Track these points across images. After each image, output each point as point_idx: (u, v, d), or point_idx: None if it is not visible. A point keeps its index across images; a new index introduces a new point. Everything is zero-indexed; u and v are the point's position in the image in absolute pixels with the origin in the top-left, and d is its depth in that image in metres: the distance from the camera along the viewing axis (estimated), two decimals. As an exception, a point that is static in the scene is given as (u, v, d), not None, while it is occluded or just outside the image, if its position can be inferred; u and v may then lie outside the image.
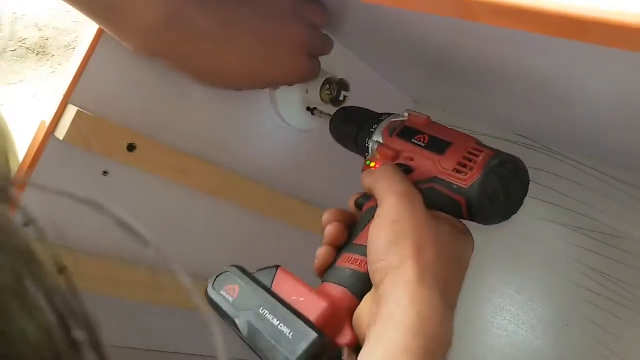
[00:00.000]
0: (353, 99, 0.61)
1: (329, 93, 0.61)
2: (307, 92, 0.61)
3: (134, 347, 0.62)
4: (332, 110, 0.59)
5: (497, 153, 0.42)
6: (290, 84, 0.58)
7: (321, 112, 0.61)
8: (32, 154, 0.49)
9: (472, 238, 0.43)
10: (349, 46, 0.64)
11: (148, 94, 0.54)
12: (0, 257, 0.15)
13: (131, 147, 0.52)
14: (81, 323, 0.16)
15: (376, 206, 0.42)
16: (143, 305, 0.60)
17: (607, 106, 0.45)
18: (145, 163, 0.54)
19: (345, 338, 0.40)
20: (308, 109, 0.62)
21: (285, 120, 0.63)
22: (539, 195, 0.66)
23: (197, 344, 0.66)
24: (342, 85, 0.61)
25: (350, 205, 0.49)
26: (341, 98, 0.61)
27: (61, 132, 0.49)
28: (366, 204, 0.46)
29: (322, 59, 0.58)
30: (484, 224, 0.43)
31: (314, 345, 0.37)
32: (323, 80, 0.60)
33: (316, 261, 0.46)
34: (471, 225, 0.44)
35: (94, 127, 0.50)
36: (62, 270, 0.16)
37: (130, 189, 0.55)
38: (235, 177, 0.62)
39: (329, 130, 0.57)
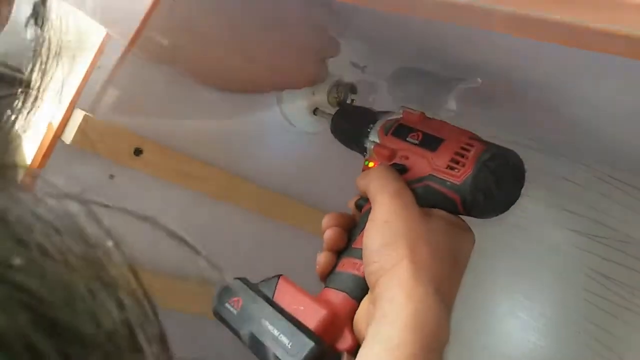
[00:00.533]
0: (360, 103, 0.61)
1: (336, 96, 0.60)
2: (314, 94, 0.60)
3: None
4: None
5: (488, 147, 0.41)
6: (297, 87, 0.57)
7: (323, 112, 0.60)
8: (40, 156, 0.50)
9: (472, 234, 0.43)
10: (357, 48, 0.64)
11: (154, 99, 0.54)
12: (80, 265, 0.15)
13: (137, 152, 0.52)
14: (153, 334, 0.16)
15: None
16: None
17: (622, 111, 0.44)
18: (151, 167, 0.54)
19: (345, 343, 0.40)
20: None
21: (291, 123, 0.63)
22: (551, 201, 0.65)
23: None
24: (350, 88, 0.61)
25: (351, 207, 0.48)
26: (348, 101, 0.61)
27: (68, 136, 0.49)
28: (365, 206, 0.46)
29: (330, 62, 0.57)
30: (481, 218, 0.42)
31: (311, 354, 0.37)
32: (330, 83, 0.60)
33: (317, 267, 0.45)
34: (480, 229, 0.43)
35: (101, 131, 0.50)
36: (135, 274, 0.17)
37: (136, 192, 0.56)
38: (241, 180, 0.62)
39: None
